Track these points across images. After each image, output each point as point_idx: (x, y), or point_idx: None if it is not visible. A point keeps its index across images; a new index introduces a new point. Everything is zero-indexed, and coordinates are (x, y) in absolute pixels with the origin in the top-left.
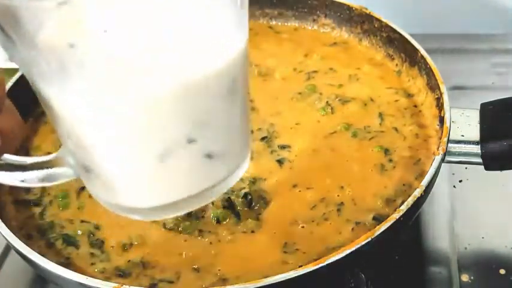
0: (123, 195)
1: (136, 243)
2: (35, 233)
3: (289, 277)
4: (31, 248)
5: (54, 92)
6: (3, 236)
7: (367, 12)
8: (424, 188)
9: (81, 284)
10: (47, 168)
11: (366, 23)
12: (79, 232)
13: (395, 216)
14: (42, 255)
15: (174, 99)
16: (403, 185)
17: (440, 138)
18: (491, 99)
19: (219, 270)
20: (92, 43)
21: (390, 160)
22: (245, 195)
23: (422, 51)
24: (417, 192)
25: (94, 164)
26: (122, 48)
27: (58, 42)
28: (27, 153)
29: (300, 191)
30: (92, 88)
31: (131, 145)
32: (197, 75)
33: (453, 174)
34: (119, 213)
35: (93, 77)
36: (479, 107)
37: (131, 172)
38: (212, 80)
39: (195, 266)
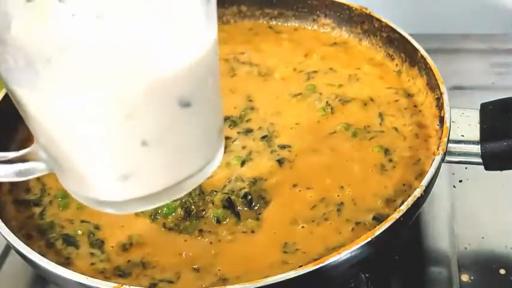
0: (96, 189)
1: (136, 243)
2: (35, 233)
3: (289, 277)
4: (31, 248)
5: (22, 89)
6: (3, 236)
7: (367, 12)
8: (424, 188)
9: (81, 284)
10: (21, 162)
11: (366, 23)
12: (79, 232)
13: (395, 216)
14: (42, 255)
15: (140, 96)
16: (403, 185)
17: (440, 138)
18: (491, 99)
19: (219, 270)
20: (57, 41)
21: (390, 160)
22: (245, 195)
23: (422, 51)
24: (417, 192)
25: (66, 159)
26: (87, 46)
27: (24, 39)
28: None
29: (300, 191)
30: (58, 85)
31: (99, 142)
32: (154, 75)
33: (453, 174)
34: (92, 207)
35: (59, 74)
36: (479, 107)
37: (102, 168)
38: (171, 81)
39: (195, 266)
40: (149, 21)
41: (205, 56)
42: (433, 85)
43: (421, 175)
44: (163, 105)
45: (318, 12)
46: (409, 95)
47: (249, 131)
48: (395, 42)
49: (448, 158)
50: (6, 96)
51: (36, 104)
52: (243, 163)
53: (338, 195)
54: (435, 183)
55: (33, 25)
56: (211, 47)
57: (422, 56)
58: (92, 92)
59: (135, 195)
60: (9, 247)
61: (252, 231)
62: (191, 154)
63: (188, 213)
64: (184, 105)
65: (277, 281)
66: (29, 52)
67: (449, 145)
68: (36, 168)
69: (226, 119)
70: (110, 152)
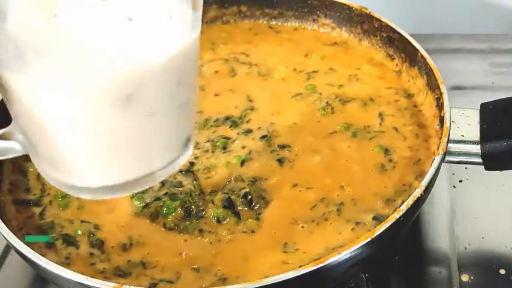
0: (69, 174)
1: (136, 243)
2: (35, 233)
3: (289, 277)
4: (31, 248)
5: (7, 72)
6: (3, 236)
7: (367, 12)
8: (424, 188)
9: (81, 284)
10: None
11: (366, 23)
12: (79, 232)
13: (395, 216)
14: (42, 255)
15: (113, 87)
16: (403, 185)
17: (440, 138)
18: (491, 99)
19: (219, 270)
20: (44, 31)
21: (390, 160)
22: (245, 195)
23: (422, 51)
24: (417, 192)
25: (42, 143)
26: (72, 37)
27: (19, 29)
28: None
29: (300, 190)
30: (43, 74)
31: (72, 132)
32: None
33: (453, 174)
34: (66, 191)
35: (45, 63)
36: (479, 107)
37: (74, 155)
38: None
39: (195, 266)
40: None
41: (166, 67)
42: (433, 85)
43: (421, 175)
44: (123, 110)
45: (318, 12)
46: (409, 95)
47: (249, 131)
48: (395, 42)
49: (448, 158)
50: None
51: (18, 88)
52: (242, 163)
53: (338, 195)
54: (435, 183)
55: (30, 15)
56: (172, 61)
57: (422, 56)
58: (73, 82)
59: (105, 184)
60: (9, 247)
61: (252, 231)
62: (158, 154)
63: (188, 213)
64: (149, 115)
65: (277, 281)
66: (20, 41)
67: (449, 145)
68: (13, 148)
69: (226, 119)
70: (82, 143)
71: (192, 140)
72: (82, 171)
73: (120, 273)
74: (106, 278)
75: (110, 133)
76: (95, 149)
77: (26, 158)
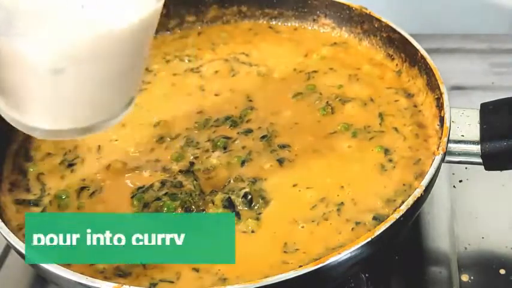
0: (24, 115)
1: None
2: None
3: (289, 277)
4: None
5: None
6: (3, 236)
7: (367, 12)
8: (424, 188)
9: (81, 284)
10: None
11: (366, 23)
12: None
13: (395, 216)
14: None
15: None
16: (403, 185)
17: (440, 138)
18: (491, 99)
19: (219, 270)
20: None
21: (390, 160)
22: (245, 195)
23: (422, 51)
24: (417, 192)
25: (5, 85)
26: None
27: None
28: (27, 153)
29: (300, 190)
30: (19, 36)
31: (27, 81)
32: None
33: (453, 174)
34: (21, 129)
35: (23, 26)
36: (479, 107)
37: (28, 100)
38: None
39: (195, 266)
40: None
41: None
42: (433, 85)
43: (421, 175)
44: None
45: (318, 12)
46: (409, 95)
47: (249, 131)
48: (395, 42)
49: (448, 158)
50: None
51: None
52: (243, 163)
53: (338, 195)
54: (435, 183)
55: None
56: (136, 29)
57: (422, 56)
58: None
59: (51, 128)
60: (9, 247)
61: (252, 231)
62: (100, 110)
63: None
64: (97, 79)
65: (277, 281)
66: (10, 7)
67: (449, 145)
68: None
69: (226, 119)
70: (36, 94)
71: (134, 100)
72: (34, 114)
73: (120, 273)
74: (106, 278)
75: (59, 90)
76: (44, 101)
77: (26, 158)
